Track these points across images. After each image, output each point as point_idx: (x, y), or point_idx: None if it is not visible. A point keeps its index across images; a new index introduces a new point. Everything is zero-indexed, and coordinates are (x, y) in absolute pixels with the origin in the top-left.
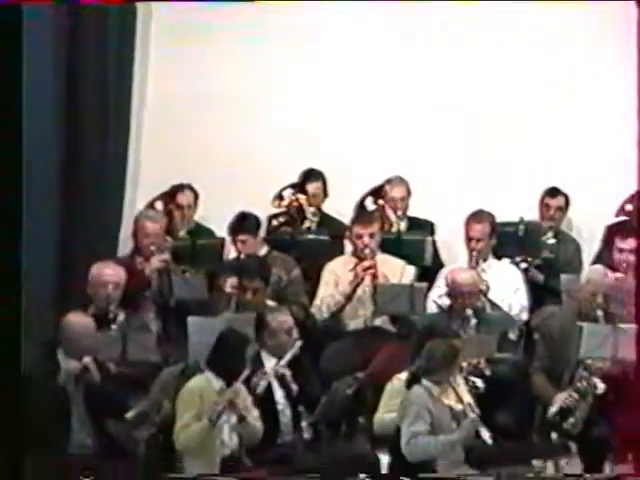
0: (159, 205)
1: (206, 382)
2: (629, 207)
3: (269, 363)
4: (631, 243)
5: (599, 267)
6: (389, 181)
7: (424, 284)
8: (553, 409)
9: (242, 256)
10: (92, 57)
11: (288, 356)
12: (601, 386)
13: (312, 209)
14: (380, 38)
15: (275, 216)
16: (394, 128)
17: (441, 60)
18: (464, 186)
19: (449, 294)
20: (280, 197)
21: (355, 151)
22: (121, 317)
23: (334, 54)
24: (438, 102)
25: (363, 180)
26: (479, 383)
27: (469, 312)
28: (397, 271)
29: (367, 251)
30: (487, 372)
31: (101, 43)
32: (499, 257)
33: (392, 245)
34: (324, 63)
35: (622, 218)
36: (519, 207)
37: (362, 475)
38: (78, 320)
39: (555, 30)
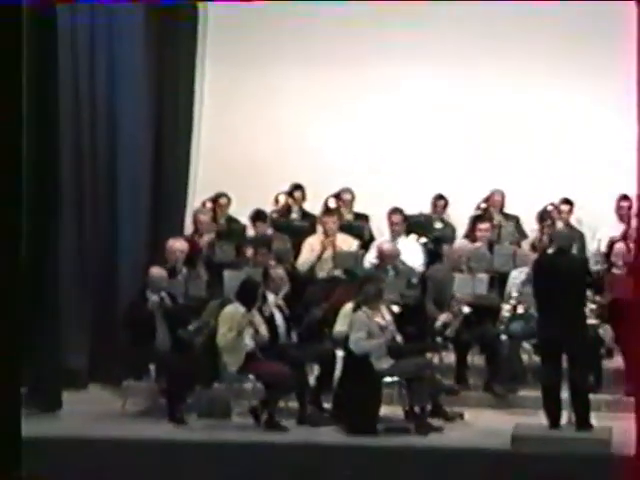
0: (208, 204)
1: (235, 309)
2: (483, 205)
3: (271, 298)
4: (486, 226)
5: (463, 240)
6: (342, 190)
7: (363, 251)
8: (438, 323)
9: (257, 235)
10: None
11: (281, 294)
12: (466, 309)
13: (296, 207)
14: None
15: (275, 211)
16: (346, 153)
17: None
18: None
19: (378, 257)
20: (276, 200)
21: (321, 172)
22: (184, 271)
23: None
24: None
25: (327, 189)
26: (395, 308)
27: (389, 267)
28: (348, 244)
29: (330, 232)
30: (400, 302)
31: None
32: (408, 234)
33: (345, 228)
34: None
35: (478, 212)
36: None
37: None
38: (158, 272)
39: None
